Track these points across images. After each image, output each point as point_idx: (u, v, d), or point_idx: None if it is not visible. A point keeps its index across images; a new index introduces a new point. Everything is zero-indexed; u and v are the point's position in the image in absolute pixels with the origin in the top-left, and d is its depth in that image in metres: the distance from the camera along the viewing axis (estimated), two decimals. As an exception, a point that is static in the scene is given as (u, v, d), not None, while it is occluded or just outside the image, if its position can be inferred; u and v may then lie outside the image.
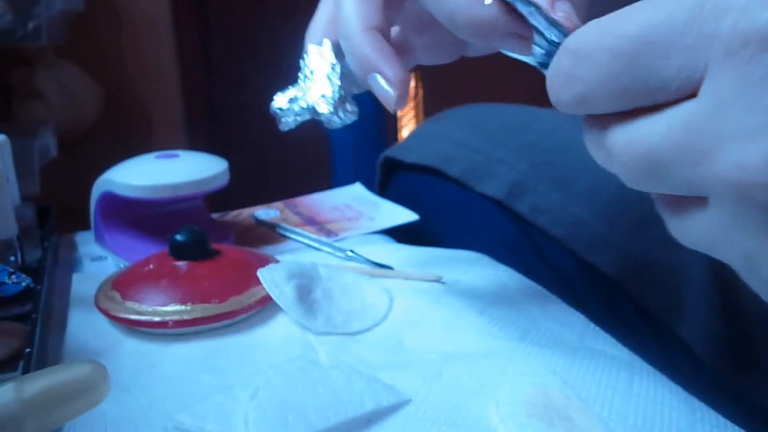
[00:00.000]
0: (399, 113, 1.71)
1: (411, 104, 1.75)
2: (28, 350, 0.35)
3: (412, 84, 1.84)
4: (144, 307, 0.39)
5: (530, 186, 0.50)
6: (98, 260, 0.53)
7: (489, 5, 0.26)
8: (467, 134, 0.57)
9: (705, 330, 0.41)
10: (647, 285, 0.43)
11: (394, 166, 0.64)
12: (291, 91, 0.37)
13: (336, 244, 0.52)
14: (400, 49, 0.35)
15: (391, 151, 0.63)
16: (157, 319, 0.38)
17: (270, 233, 0.57)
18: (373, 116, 1.16)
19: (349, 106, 0.36)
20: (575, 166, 0.50)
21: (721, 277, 0.41)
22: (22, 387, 0.25)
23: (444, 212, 0.57)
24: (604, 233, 0.46)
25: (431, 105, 1.75)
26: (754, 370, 0.40)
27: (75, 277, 0.47)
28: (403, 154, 0.61)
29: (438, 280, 0.43)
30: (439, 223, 0.57)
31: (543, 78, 0.24)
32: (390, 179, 0.65)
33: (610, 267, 0.45)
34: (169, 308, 0.39)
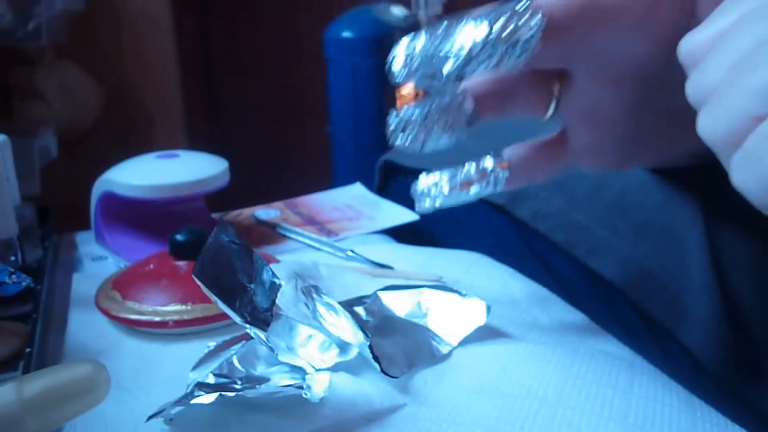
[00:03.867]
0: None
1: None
2: (28, 350, 0.35)
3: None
4: (144, 307, 0.39)
5: (531, 191, 0.50)
6: (98, 260, 0.53)
7: None
8: (467, 138, 0.57)
9: (708, 337, 0.40)
10: (648, 291, 0.43)
11: (393, 171, 0.63)
12: (434, 177, 0.35)
13: (336, 244, 0.52)
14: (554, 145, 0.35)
15: (390, 155, 0.63)
16: (157, 319, 0.38)
17: (270, 233, 0.57)
18: (373, 116, 1.16)
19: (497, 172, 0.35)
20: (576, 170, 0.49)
21: (724, 284, 0.40)
22: (22, 387, 0.25)
23: (443, 217, 0.57)
24: (605, 239, 0.45)
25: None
26: (758, 377, 0.39)
27: (75, 277, 0.47)
28: (402, 158, 0.61)
29: (438, 281, 0.43)
30: (439, 228, 0.57)
31: None
32: (389, 184, 0.64)
33: (611, 273, 0.44)
34: (169, 308, 0.39)
